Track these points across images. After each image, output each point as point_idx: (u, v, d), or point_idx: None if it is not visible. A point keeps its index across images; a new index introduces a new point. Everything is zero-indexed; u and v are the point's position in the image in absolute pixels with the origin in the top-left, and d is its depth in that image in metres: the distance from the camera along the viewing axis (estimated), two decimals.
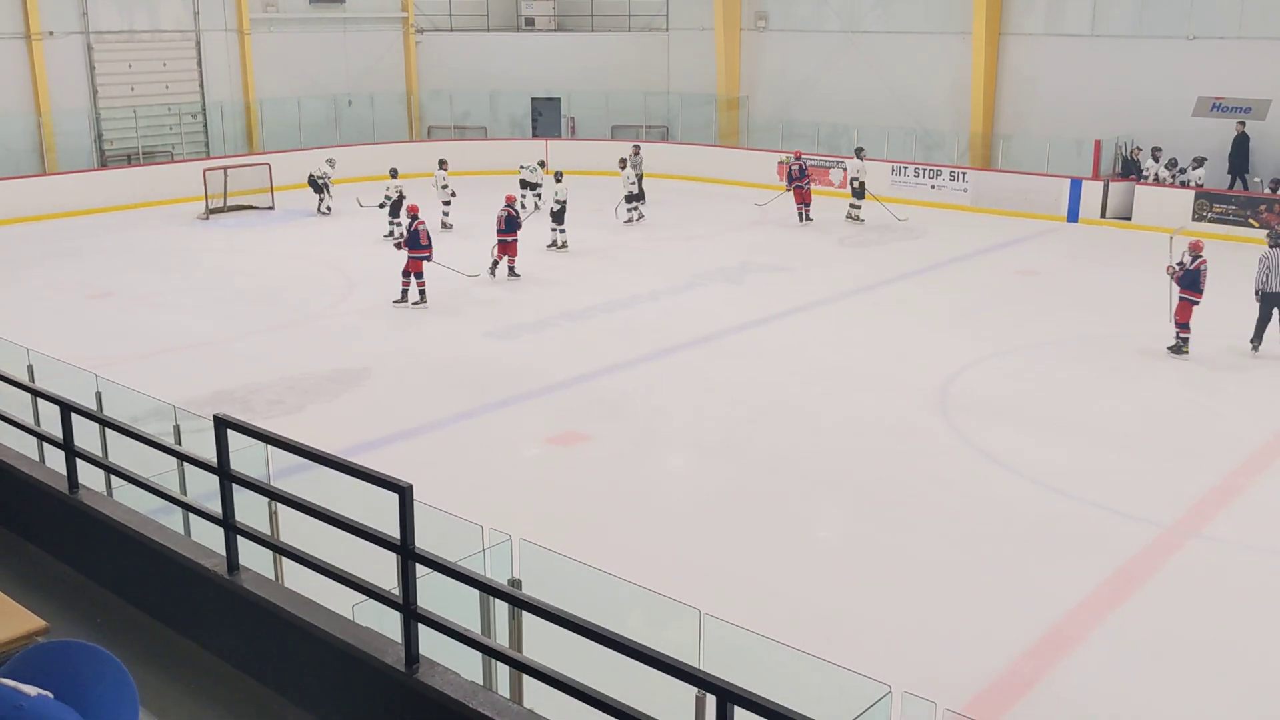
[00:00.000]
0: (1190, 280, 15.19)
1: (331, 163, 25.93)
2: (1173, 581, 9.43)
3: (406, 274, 17.64)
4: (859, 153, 25.77)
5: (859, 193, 25.15)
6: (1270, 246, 14.78)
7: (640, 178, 24.45)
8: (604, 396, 13.72)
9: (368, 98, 32.11)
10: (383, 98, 32.79)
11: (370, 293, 18.60)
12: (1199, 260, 15.19)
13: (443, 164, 23.64)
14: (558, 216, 21.49)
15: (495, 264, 19.34)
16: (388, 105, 33.08)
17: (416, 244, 17.56)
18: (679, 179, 29.86)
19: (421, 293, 17.83)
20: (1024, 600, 9.08)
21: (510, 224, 19.22)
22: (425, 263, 17.55)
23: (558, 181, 21.90)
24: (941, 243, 22.72)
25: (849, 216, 24.83)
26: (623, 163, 24.72)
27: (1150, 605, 9.06)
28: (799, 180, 25.40)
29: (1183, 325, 15.26)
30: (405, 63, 33.49)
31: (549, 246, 21.49)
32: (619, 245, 22.25)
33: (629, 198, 23.74)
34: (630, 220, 23.73)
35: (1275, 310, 14.69)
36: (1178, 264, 15.27)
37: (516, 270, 19.54)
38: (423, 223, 17.71)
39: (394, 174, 23.12)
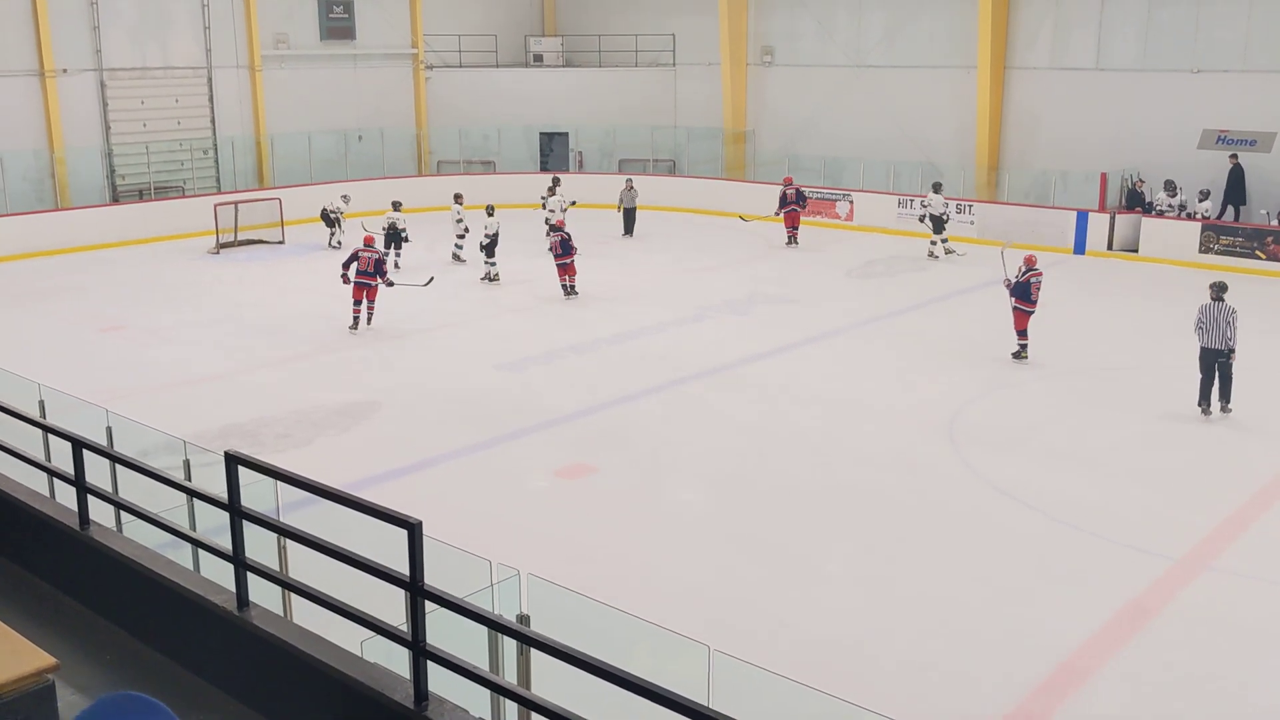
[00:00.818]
0: (1022, 291, 16.30)
1: (346, 199, 26.06)
2: (1185, 616, 9.32)
3: (356, 300, 18.31)
4: (936, 187, 25.24)
5: (938, 227, 24.75)
6: (1212, 299, 13.70)
7: (564, 207, 24.38)
8: (612, 428, 13.64)
9: (377, 132, 32.24)
10: (392, 133, 32.96)
11: (380, 326, 18.37)
12: (1031, 273, 16.21)
13: (458, 198, 23.74)
14: (488, 250, 21.86)
15: (564, 286, 20.33)
16: (397, 140, 33.22)
17: (363, 271, 18.47)
18: (686, 211, 29.95)
19: (369, 317, 18.11)
20: (1035, 635, 8.98)
21: (565, 247, 20.50)
22: (367, 288, 18.07)
23: (489, 215, 22.04)
24: (948, 275, 22.63)
25: (931, 254, 24.32)
26: (550, 190, 24.97)
27: (1162, 640, 8.94)
28: (793, 204, 25.90)
29: (1021, 333, 16.45)
30: (415, 98, 33.75)
31: (482, 279, 21.81)
32: (626, 277, 22.16)
33: (553, 229, 23.50)
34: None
35: (1218, 368, 13.62)
36: (1011, 278, 16.38)
37: (576, 289, 20.61)
38: (375, 252, 18.51)
39: (396, 206, 23.23)
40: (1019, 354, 16.51)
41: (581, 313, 19.65)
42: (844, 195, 28.40)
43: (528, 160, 33.62)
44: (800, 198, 26.28)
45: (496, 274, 21.83)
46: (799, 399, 14.86)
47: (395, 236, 22.67)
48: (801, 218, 26.56)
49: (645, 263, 23.95)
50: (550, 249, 21.19)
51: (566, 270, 20.88)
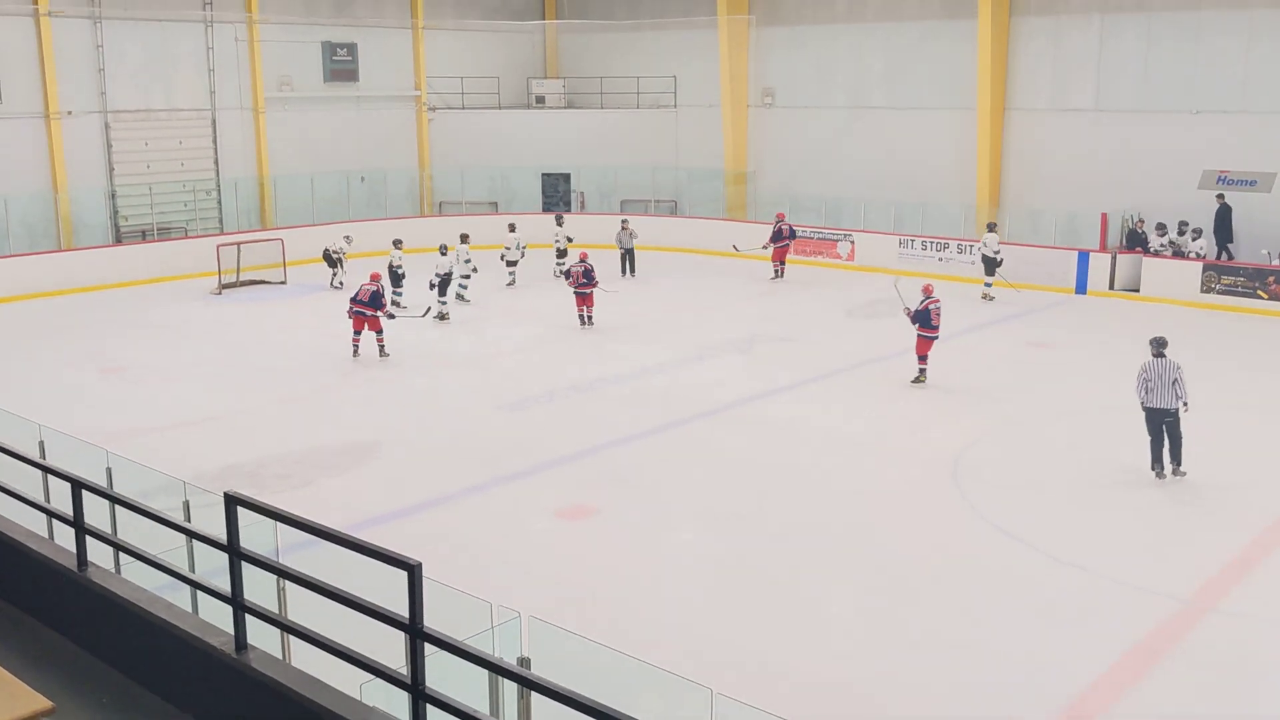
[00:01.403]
0: (923, 319, 17.23)
1: (349, 239, 26.10)
2: (1193, 657, 9.25)
3: (356, 330, 19.04)
4: (991, 227, 25.14)
5: (990, 269, 24.58)
6: (1154, 356, 13.20)
7: (521, 248, 24.95)
8: (614, 468, 13.60)
9: (380, 174, 32.43)
10: (395, 174, 33.15)
11: (381, 366, 18.51)
12: (928, 301, 17.19)
13: (464, 239, 23.89)
14: (441, 288, 22.11)
15: (582, 316, 21.11)
16: (399, 181, 33.38)
17: (360, 301, 19.09)
18: (687, 252, 30.02)
19: (379, 350, 18.85)
20: (1042, 677, 8.90)
21: (588, 277, 21.24)
22: (366, 319, 18.70)
23: (442, 255, 22.23)
24: (951, 315, 22.26)
25: (985, 296, 24.16)
26: (510, 229, 25.62)
27: (1170, 682, 8.86)
28: (786, 240, 26.60)
29: (921, 358, 17.42)
30: (417, 139, 33.86)
31: (437, 317, 21.76)
32: (627, 318, 22.07)
33: (561, 261, 25.11)
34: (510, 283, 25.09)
35: (1165, 428, 12.99)
36: (911, 307, 17.34)
37: (593, 319, 21.25)
38: (374, 284, 19.00)
39: (397, 245, 23.26)
40: (918, 379, 17.24)
41: (583, 352, 19.62)
42: (845, 235, 28.51)
43: (531, 201, 33.65)
44: (791, 233, 26.92)
45: (446, 313, 21.92)
46: (801, 438, 14.74)
47: (395, 274, 22.70)
48: (800, 256, 26.99)
49: (646, 303, 23.92)
50: (570, 278, 21.64)
51: (585, 301, 21.37)
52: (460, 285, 23.51)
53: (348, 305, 18.72)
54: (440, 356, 19.31)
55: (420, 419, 15.68)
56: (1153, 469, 13.24)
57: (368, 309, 18.92)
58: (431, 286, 21.83)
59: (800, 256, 28.93)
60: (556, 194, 34.17)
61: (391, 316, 18.86)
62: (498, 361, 19.03)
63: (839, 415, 15.90)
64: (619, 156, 33.51)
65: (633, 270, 26.83)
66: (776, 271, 26.75)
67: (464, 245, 23.63)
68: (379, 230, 29.07)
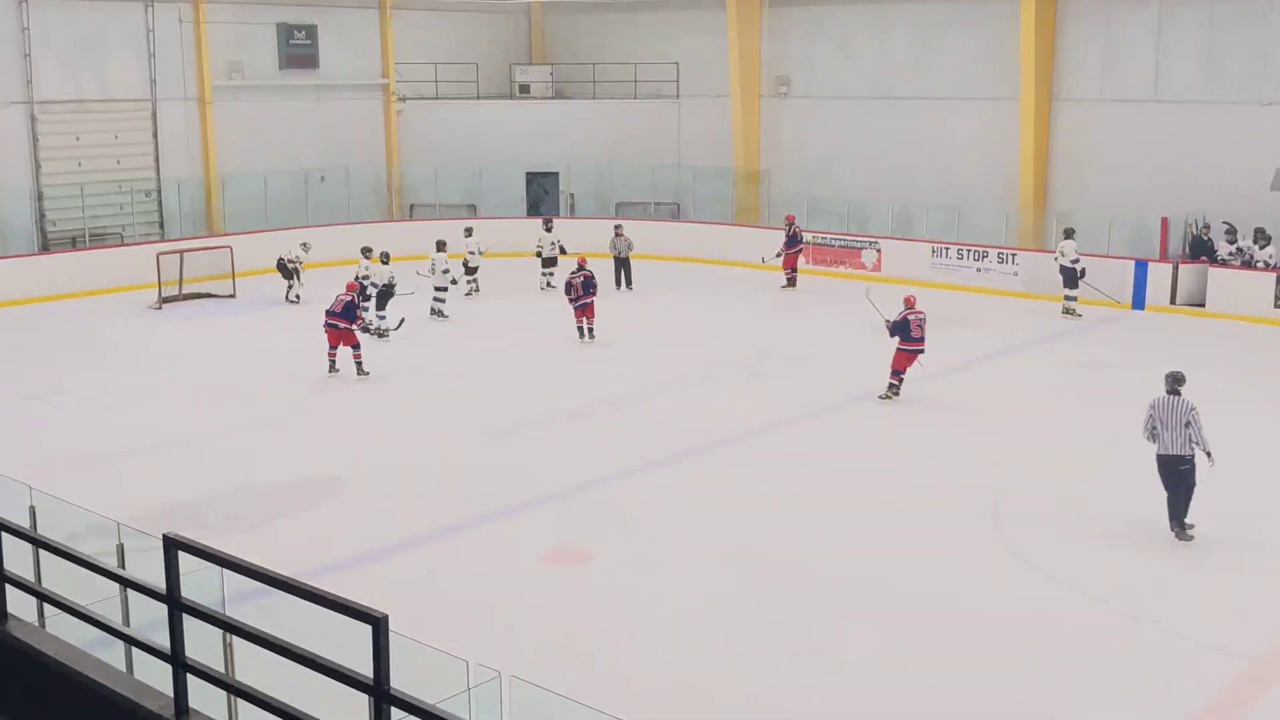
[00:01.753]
0: (901, 330, 17.79)
1: (306, 246, 25.95)
2: None
3: (331, 345, 19.25)
4: (1069, 233, 24.94)
5: (1069, 280, 24.38)
6: (1167, 393, 12.76)
7: (480, 251, 25.45)
8: (608, 506, 13.47)
9: (342, 172, 32.13)
10: (359, 173, 33.04)
11: (346, 390, 18.29)
12: (908, 312, 17.77)
13: (441, 246, 23.78)
14: (379, 301, 22.23)
15: (581, 329, 21.45)
16: (364, 181, 33.32)
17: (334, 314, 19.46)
18: (692, 261, 29.75)
19: (357, 367, 18.85)
20: None
21: (587, 287, 21.57)
22: (341, 333, 19.00)
23: (384, 264, 22.38)
24: (990, 332, 22.32)
25: (1066, 311, 24.02)
26: (466, 232, 25.88)
27: None
28: (799, 244, 26.89)
29: (895, 373, 17.95)
30: (385, 134, 33.82)
31: (377, 334, 21.67)
32: (623, 335, 21.99)
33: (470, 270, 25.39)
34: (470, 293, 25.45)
35: (1181, 476, 12.42)
36: (889, 318, 17.90)
37: (593, 332, 21.55)
38: (348, 294, 19.40)
39: (365, 253, 23.03)
40: (887, 394, 17.81)
41: (573, 373, 19.56)
42: (870, 243, 28.29)
43: (514, 203, 33.37)
44: (799, 239, 27.19)
45: (384, 329, 21.97)
46: (818, 472, 14.55)
47: (362, 286, 22.32)
48: (819, 266, 27.11)
49: (645, 318, 23.81)
50: (569, 289, 21.82)
51: (585, 312, 21.65)
52: (436, 298, 23.46)
53: (376, 332, 19.47)
54: (416, 376, 19.16)
55: (391, 448, 15.44)
56: (1171, 528, 12.63)
57: (341, 321, 19.07)
58: (367, 298, 21.54)
59: (820, 266, 28.59)
60: (544, 196, 33.98)
61: (366, 330, 19.04)
62: (480, 382, 18.93)
63: (860, 446, 15.66)
64: (614, 153, 33.18)
65: (629, 282, 26.64)
66: (789, 280, 26.76)
67: (441, 254, 23.54)
68: (341, 237, 28.73)
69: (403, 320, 20.77)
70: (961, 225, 28.13)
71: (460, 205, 33.28)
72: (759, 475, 14.62)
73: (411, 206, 33.59)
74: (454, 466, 14.76)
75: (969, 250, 27.16)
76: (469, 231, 26.37)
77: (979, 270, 26.73)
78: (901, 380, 17.86)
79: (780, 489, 14.15)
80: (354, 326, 19.05)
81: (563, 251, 26.25)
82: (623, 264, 26.81)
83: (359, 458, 14.97)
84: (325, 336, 19.19)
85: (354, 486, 13.84)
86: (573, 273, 22.19)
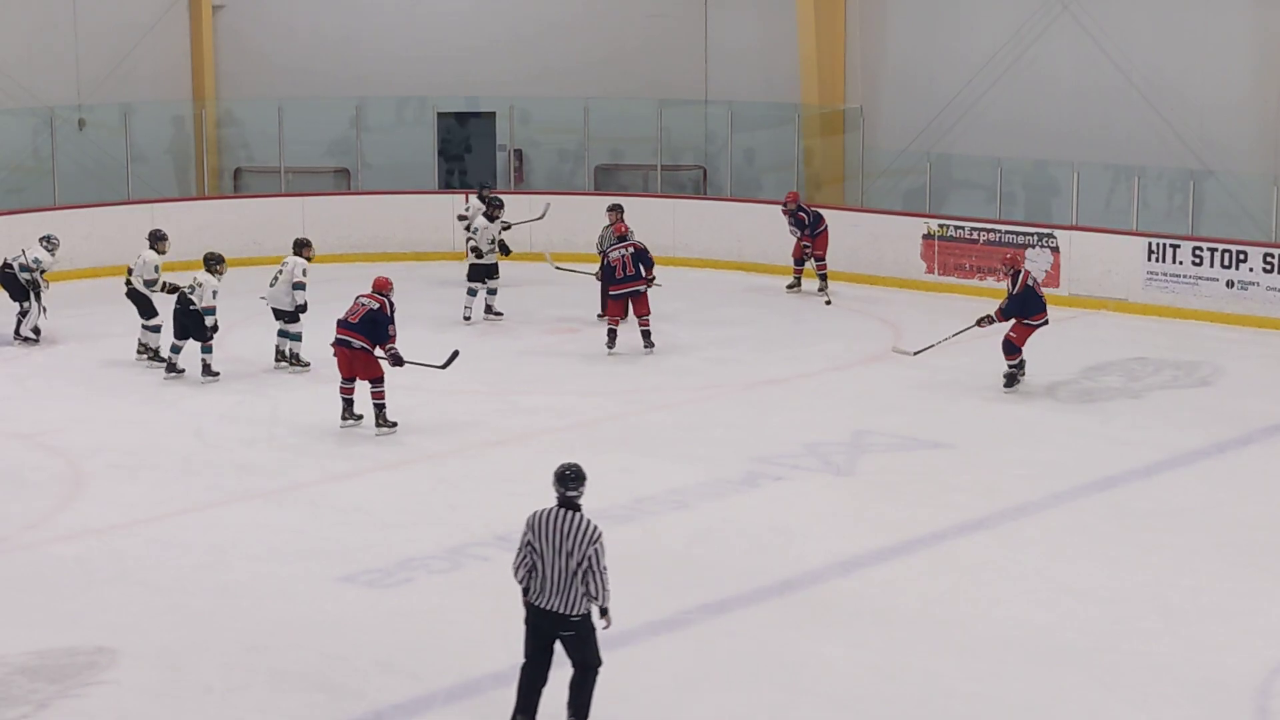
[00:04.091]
0: (1026, 303, 20.41)
1: (50, 244, 23.90)
2: None
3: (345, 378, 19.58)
4: None
5: None
6: (559, 504, 13.20)
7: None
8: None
9: (116, 113, 29.51)
10: (147, 114, 30.05)
11: (122, 491, 17.00)
12: (1024, 276, 20.62)
13: (302, 247, 22.85)
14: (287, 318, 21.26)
15: (614, 332, 22.70)
16: (155, 129, 30.80)
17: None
18: (731, 268, 27.76)
19: (378, 415, 19.43)
20: None
21: (641, 261, 22.93)
22: (358, 356, 19.33)
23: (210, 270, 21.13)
24: (1253, 394, 21.14)
25: None
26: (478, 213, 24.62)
27: None
28: (821, 228, 26.27)
29: (1013, 349, 20.41)
30: (191, 47, 31.29)
31: (276, 363, 21.78)
32: (618, 400, 20.97)
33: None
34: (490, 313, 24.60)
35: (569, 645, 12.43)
36: (988, 315, 20.26)
37: (652, 336, 22.75)
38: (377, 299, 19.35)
39: (213, 266, 21.53)
40: (1009, 382, 20.77)
41: (532, 469, 17.78)
42: (1041, 236, 26.05)
43: (415, 170, 30.81)
44: (803, 223, 26.59)
45: (300, 361, 21.76)
46: (962, 641, 13.50)
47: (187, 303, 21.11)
48: (949, 278, 26.21)
49: (654, 370, 22.62)
50: (608, 271, 22.70)
51: (638, 304, 22.54)
52: (289, 336, 22.24)
53: (392, 359, 19.09)
54: (253, 463, 18.53)
55: (190, 600, 14.15)
56: None
57: (357, 338, 18.87)
58: (300, 313, 21.55)
59: (950, 278, 26.64)
60: (468, 153, 31.35)
61: (400, 363, 19.09)
62: (359, 482, 18.30)
63: (1035, 591, 14.73)
64: (591, 80, 30.57)
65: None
66: (796, 279, 26.50)
67: (300, 258, 22.45)
68: (117, 224, 26.76)
69: (455, 353, 20.42)
70: (1198, 207, 25.56)
71: (322, 170, 31.11)
72: (851, 643, 13.44)
73: (237, 172, 31.43)
74: (296, 638, 12.24)
75: (1211, 251, 24.93)
76: (493, 203, 24.67)
77: (1230, 285, 24.78)
78: (1019, 357, 20.14)
79: (891, 665, 13.04)
80: (382, 352, 19.14)
81: (504, 252, 24.43)
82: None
83: (139, 617, 13.93)
84: (336, 360, 19.38)
85: (128, 670, 12.27)
86: (612, 245, 22.64)
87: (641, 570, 15.48)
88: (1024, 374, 20.51)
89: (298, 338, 22.49)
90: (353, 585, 15.55)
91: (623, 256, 22.73)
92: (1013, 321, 20.38)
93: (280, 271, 22.41)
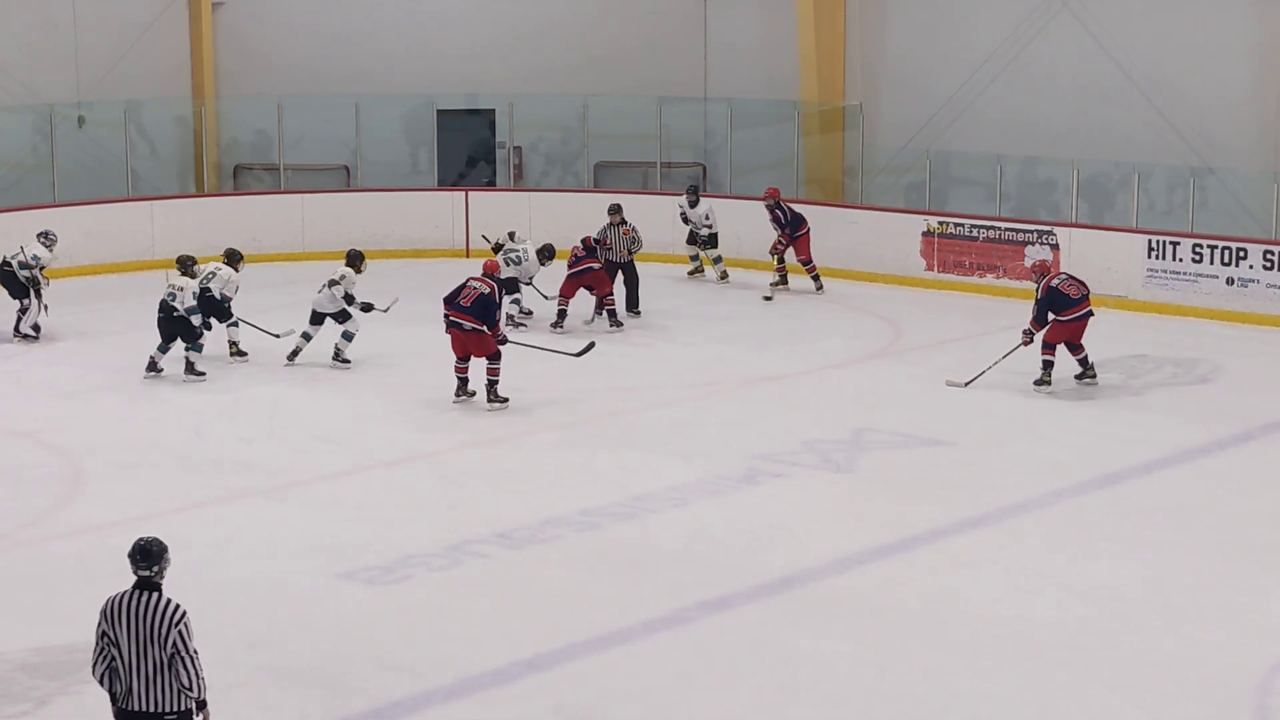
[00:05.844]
0: (1054, 305, 20.67)
1: (48, 240, 23.85)
2: None
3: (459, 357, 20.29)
4: None
5: None
6: (136, 586, 12.59)
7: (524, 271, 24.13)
8: (582, 703, 12.42)
9: (116, 111, 29.71)
10: (147, 112, 30.22)
11: (121, 488, 17.13)
12: (1047, 280, 20.89)
13: (356, 260, 22.53)
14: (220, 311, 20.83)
15: (561, 314, 23.68)
16: (155, 126, 30.87)
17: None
18: (731, 265, 27.83)
19: (490, 391, 20.24)
20: None
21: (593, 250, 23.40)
22: (470, 337, 20.18)
23: (231, 264, 21.86)
24: (1254, 392, 21.30)
25: None
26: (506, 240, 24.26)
27: None
28: (786, 231, 26.34)
29: (1050, 346, 20.78)
30: (191, 46, 31.46)
31: (333, 360, 21.86)
32: (616, 396, 21.00)
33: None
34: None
35: None
36: (1024, 331, 20.71)
37: (621, 318, 23.74)
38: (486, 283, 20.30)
39: (233, 260, 22.00)
40: (1042, 379, 21.13)
41: (526, 467, 18.36)
42: (1040, 233, 26.01)
43: (414, 165, 31.25)
44: (784, 221, 26.62)
45: (240, 349, 21.27)
46: (958, 634, 13.67)
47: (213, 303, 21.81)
48: (951, 275, 26.28)
49: (653, 367, 22.81)
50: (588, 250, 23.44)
51: (574, 289, 23.44)
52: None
53: (443, 313, 19.63)
54: (255, 458, 18.54)
55: (192, 594, 14.33)
56: None
57: (468, 319, 19.64)
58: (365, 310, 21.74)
59: (950, 275, 26.73)
60: (479, 152, 31.54)
61: (504, 340, 20.30)
62: (353, 480, 18.32)
63: (1034, 590, 14.85)
64: (592, 77, 30.66)
65: (633, 303, 25.01)
66: (780, 277, 26.56)
67: (349, 270, 22.54)
68: (118, 221, 26.95)
69: (592, 344, 21.81)
70: (1199, 204, 25.64)
71: (321, 168, 31.15)
72: (849, 641, 13.53)
73: (236, 169, 31.49)
74: (294, 632, 13.48)
75: (1211, 249, 24.93)
76: (512, 236, 24.70)
77: (1233, 285, 24.87)
78: (1054, 355, 20.70)
79: (887, 663, 13.08)
80: (494, 332, 19.86)
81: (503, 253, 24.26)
82: (624, 272, 25.31)
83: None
84: (450, 341, 20.15)
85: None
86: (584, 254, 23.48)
87: (640, 568, 15.86)
88: (1094, 374, 21.25)
89: (349, 337, 23.26)
90: (352, 582, 15.46)
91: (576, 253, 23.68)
92: (1050, 325, 20.83)
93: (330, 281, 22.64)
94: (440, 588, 15.42)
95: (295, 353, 22.30)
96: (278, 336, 22.17)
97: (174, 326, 21.60)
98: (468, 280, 20.35)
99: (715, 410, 21.43)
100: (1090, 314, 20.63)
